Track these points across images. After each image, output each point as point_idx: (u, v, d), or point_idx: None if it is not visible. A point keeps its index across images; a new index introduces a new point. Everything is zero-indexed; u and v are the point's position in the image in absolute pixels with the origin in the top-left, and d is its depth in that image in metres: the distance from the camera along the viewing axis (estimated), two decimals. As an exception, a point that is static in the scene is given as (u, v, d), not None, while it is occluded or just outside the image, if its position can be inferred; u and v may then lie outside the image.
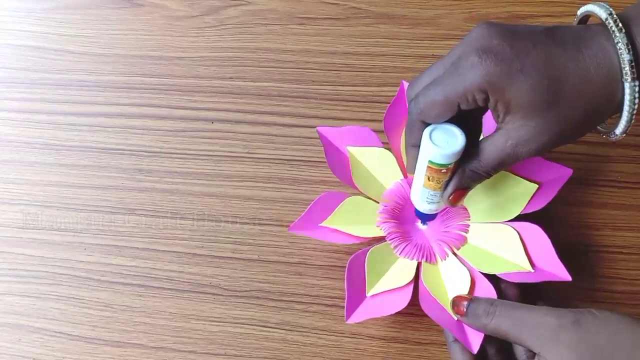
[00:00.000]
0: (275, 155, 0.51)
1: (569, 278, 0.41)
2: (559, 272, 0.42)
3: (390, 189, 0.47)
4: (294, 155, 0.51)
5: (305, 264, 0.47)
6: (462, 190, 0.40)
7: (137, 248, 0.49)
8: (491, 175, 0.39)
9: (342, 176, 0.46)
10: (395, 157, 0.47)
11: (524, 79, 0.34)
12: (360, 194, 0.46)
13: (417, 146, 0.39)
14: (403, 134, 0.47)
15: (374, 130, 0.48)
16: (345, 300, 0.42)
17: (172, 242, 0.49)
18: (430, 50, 0.53)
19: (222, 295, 0.47)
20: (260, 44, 0.55)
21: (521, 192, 0.45)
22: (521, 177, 0.45)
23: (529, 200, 0.44)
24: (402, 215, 0.46)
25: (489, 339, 0.40)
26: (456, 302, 0.40)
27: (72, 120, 0.53)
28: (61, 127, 0.53)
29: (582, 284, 0.46)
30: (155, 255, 0.48)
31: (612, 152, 0.49)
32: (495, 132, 0.37)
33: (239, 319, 0.46)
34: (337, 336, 0.45)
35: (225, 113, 0.53)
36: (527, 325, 0.36)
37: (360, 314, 0.42)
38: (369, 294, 0.43)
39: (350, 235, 0.44)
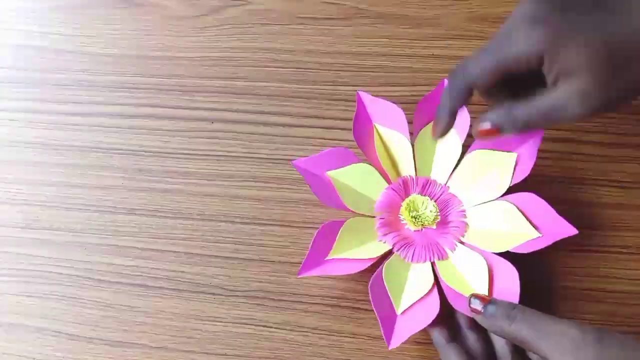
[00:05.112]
0: (275, 155, 0.51)
1: (575, 231, 0.43)
2: (565, 229, 0.43)
3: (380, 200, 0.47)
4: (294, 155, 0.51)
5: (306, 264, 0.47)
6: (494, 130, 0.40)
7: (137, 248, 0.49)
8: (522, 131, 0.40)
9: (332, 203, 0.45)
10: (375, 167, 0.47)
11: (577, 43, 0.36)
12: (355, 214, 0.46)
13: (454, 113, 0.41)
14: (375, 143, 0.47)
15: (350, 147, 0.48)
16: (381, 326, 0.41)
17: (172, 242, 0.49)
18: (430, 50, 0.53)
19: (222, 295, 0.47)
20: (260, 44, 0.55)
21: (504, 165, 0.45)
22: (497, 150, 0.46)
23: (514, 171, 0.45)
24: (399, 223, 0.46)
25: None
26: (473, 300, 0.40)
27: (72, 120, 0.53)
28: (61, 127, 0.53)
29: (582, 284, 0.46)
30: (155, 255, 0.48)
31: (612, 152, 0.49)
32: (548, 91, 0.38)
33: (239, 319, 0.46)
34: (337, 336, 0.45)
35: (225, 113, 0.53)
36: (548, 335, 0.36)
37: (400, 335, 0.41)
38: (399, 312, 0.42)
39: (359, 260, 0.44)
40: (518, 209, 0.44)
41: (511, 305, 0.38)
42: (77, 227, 0.50)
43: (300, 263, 0.47)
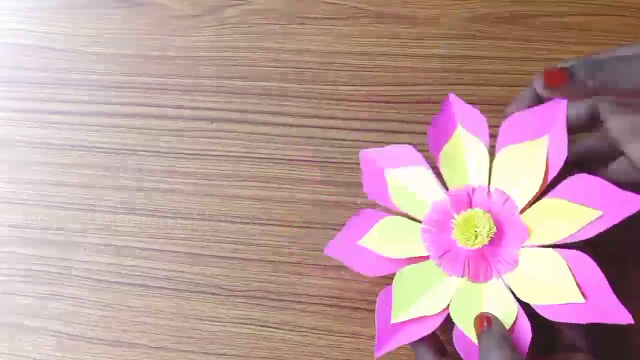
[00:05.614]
0: (275, 155, 0.51)
1: (630, 320, 0.35)
2: (615, 312, 0.35)
3: (431, 210, 0.43)
4: (294, 155, 0.51)
5: (305, 264, 0.47)
6: (564, 73, 0.35)
7: (137, 248, 0.49)
8: (595, 91, 0.35)
9: (379, 198, 0.43)
10: (435, 174, 0.44)
11: None
12: (399, 213, 0.43)
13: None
14: (447, 146, 0.44)
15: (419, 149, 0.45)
16: (377, 333, 0.39)
17: (172, 242, 0.49)
18: (430, 50, 0.53)
19: (222, 295, 0.47)
20: (260, 44, 0.55)
21: (536, 151, 0.40)
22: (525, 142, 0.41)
23: (548, 154, 0.40)
24: (447, 231, 0.42)
25: None
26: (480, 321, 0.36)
27: (72, 120, 0.53)
28: (61, 126, 0.53)
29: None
30: (155, 255, 0.49)
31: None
32: None
33: (239, 318, 0.46)
34: (337, 336, 0.45)
35: (225, 113, 0.53)
36: None
37: (392, 343, 0.39)
38: (394, 320, 0.39)
39: (392, 259, 0.41)
40: (568, 267, 0.38)
41: (502, 335, 0.35)
42: (77, 227, 0.50)
43: (300, 263, 0.47)
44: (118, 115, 0.53)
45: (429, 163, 0.44)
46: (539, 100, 0.41)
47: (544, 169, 0.40)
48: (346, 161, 0.50)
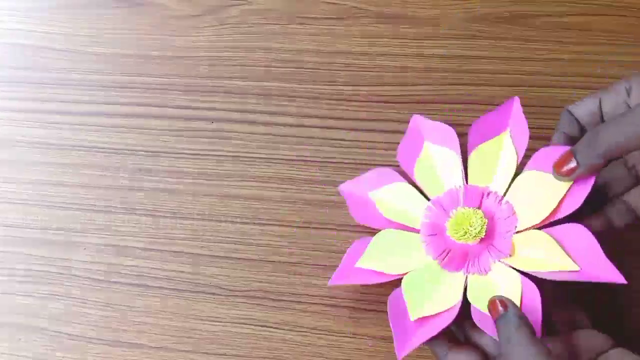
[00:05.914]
0: (275, 155, 0.51)
1: (623, 280, 0.37)
2: (609, 273, 0.38)
3: (425, 219, 0.45)
4: (294, 155, 0.51)
5: (305, 264, 0.47)
6: (569, 155, 0.39)
7: (137, 248, 0.49)
8: (605, 160, 0.37)
9: (371, 221, 0.45)
10: (415, 187, 0.45)
11: None
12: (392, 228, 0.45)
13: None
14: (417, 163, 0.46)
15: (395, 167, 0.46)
16: (395, 337, 0.39)
17: (172, 242, 0.49)
18: (430, 50, 0.53)
19: (222, 295, 0.47)
20: (260, 44, 0.55)
21: (554, 189, 0.42)
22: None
23: (564, 198, 0.41)
24: (443, 232, 0.44)
25: None
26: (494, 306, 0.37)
27: (72, 120, 0.53)
28: (61, 126, 0.53)
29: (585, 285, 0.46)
30: (155, 255, 0.49)
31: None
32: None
33: (239, 318, 0.46)
34: (336, 336, 0.45)
35: (225, 113, 0.53)
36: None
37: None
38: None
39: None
40: (555, 240, 0.40)
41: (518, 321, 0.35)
42: (77, 227, 0.50)
43: (300, 263, 0.47)
44: (118, 115, 0.53)
45: (406, 179, 0.46)
46: (577, 124, 0.42)
47: (554, 206, 0.41)
48: (346, 161, 0.50)
